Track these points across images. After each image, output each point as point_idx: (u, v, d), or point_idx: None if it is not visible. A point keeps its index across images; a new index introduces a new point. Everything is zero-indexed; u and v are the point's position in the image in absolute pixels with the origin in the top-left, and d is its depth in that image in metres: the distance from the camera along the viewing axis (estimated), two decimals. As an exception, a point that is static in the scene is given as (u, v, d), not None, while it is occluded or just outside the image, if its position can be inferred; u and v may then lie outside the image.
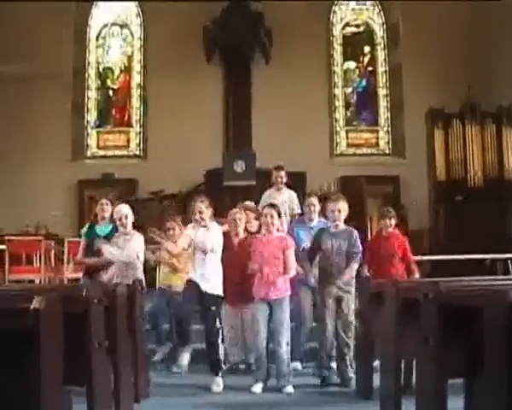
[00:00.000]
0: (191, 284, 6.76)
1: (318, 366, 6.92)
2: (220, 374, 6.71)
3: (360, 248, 6.87)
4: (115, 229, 7.63)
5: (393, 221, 7.77)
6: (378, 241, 7.82)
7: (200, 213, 6.82)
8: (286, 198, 9.06)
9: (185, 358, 7.21)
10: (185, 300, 6.73)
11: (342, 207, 6.87)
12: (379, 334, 5.70)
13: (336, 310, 6.79)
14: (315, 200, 7.79)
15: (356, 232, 6.95)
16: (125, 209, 7.37)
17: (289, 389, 6.50)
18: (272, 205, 7.02)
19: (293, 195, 9.21)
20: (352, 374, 6.62)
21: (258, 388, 6.51)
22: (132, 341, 5.74)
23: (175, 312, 7.39)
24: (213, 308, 6.84)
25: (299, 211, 8.92)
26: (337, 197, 7.04)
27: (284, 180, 9.11)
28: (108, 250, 7.21)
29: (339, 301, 6.78)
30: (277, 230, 6.86)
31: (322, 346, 6.84)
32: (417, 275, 7.79)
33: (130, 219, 7.34)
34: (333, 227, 6.91)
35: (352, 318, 6.75)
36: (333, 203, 6.91)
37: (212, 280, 6.79)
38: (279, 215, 6.88)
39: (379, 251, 7.64)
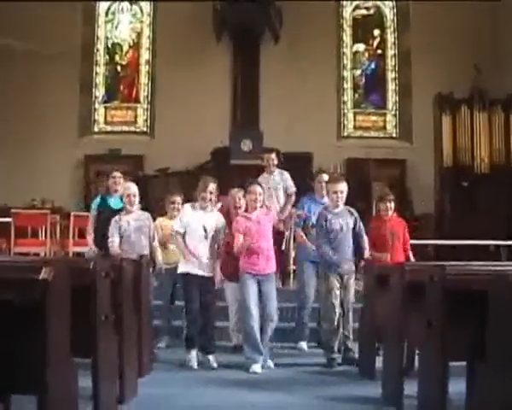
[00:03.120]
0: (190, 279, 6.68)
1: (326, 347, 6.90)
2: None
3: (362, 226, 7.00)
4: None
5: (393, 204, 7.69)
6: (378, 224, 7.69)
7: (212, 193, 6.76)
8: (278, 180, 9.03)
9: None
10: (193, 300, 6.62)
11: (344, 188, 6.90)
12: (383, 316, 5.73)
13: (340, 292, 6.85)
14: (326, 177, 7.67)
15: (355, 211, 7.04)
16: (134, 187, 7.32)
17: (271, 363, 6.73)
18: (257, 183, 7.01)
19: (286, 174, 9.14)
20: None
21: (258, 367, 6.51)
22: (137, 315, 5.78)
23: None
24: (215, 289, 6.93)
25: (294, 189, 8.92)
26: (337, 178, 7.15)
27: (275, 162, 9.02)
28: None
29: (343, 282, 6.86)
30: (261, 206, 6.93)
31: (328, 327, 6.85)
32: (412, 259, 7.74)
33: (137, 199, 7.32)
34: (335, 208, 6.92)
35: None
36: (332, 185, 6.96)
37: (210, 263, 6.74)
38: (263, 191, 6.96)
39: (379, 234, 7.55)
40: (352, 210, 7.03)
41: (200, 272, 6.64)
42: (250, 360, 6.53)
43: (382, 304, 5.78)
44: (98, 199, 8.06)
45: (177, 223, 6.80)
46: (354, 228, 6.94)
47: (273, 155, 9.05)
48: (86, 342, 4.14)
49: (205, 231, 6.68)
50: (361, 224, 7.00)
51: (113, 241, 7.09)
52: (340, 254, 6.81)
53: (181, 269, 6.78)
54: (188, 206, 6.90)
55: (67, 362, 3.65)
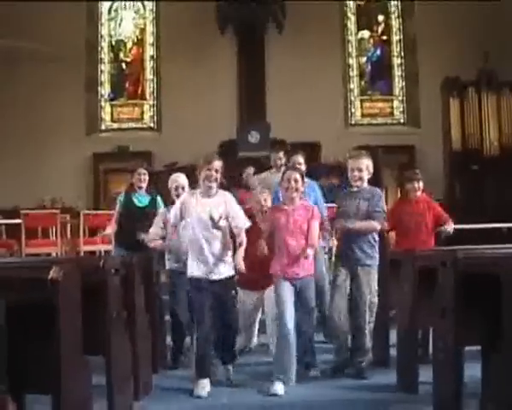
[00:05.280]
0: (198, 285, 5.46)
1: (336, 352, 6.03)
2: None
3: (384, 208, 5.99)
4: (154, 201, 7.43)
5: (421, 184, 7.10)
6: (404, 207, 7.11)
7: (217, 171, 5.57)
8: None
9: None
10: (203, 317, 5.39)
11: (365, 166, 5.97)
12: (396, 303, 5.70)
13: (352, 286, 5.92)
14: (301, 158, 7.08)
15: (379, 191, 6.09)
16: (182, 179, 6.65)
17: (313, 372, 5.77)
18: (294, 168, 6.01)
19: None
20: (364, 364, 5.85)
21: (281, 389, 5.34)
22: (150, 310, 5.75)
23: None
24: (233, 292, 5.73)
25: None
26: (358, 154, 6.13)
27: (283, 162, 7.62)
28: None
29: (356, 276, 5.90)
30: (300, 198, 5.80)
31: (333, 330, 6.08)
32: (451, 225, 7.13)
33: (187, 190, 6.46)
34: (355, 188, 5.99)
35: (372, 298, 5.90)
36: (353, 161, 6.01)
37: (225, 259, 5.52)
38: (302, 179, 5.76)
39: (405, 218, 6.98)
40: (374, 189, 6.07)
41: (212, 277, 5.44)
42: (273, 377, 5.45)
43: (395, 290, 5.74)
44: (123, 195, 7.60)
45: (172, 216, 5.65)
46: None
47: (280, 154, 7.76)
48: (99, 339, 4.14)
49: (212, 220, 5.42)
50: (380, 203, 5.96)
51: (152, 231, 6.40)
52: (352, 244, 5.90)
53: (188, 271, 5.55)
54: (186, 194, 5.91)
55: (80, 360, 3.64)
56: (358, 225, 5.81)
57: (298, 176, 5.66)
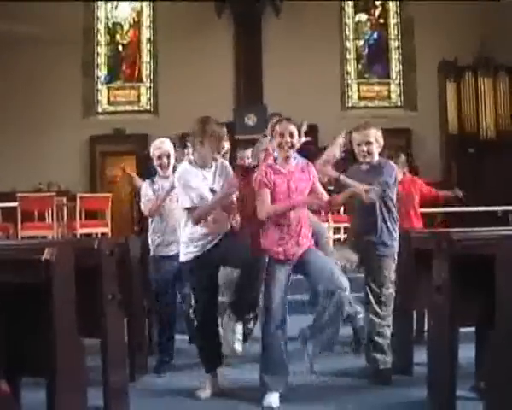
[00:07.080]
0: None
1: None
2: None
3: (392, 179, 5.16)
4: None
5: (400, 166, 6.67)
6: None
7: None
8: None
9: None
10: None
11: (374, 137, 5.22)
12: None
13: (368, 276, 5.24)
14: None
15: (391, 163, 5.29)
16: (166, 145, 5.80)
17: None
18: (288, 119, 4.75)
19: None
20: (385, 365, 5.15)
21: (275, 399, 4.55)
22: (146, 293, 5.75)
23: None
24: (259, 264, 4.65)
25: None
26: (365, 125, 5.32)
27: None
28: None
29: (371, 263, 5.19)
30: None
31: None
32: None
33: (172, 160, 5.79)
34: (364, 164, 5.25)
35: (388, 289, 5.14)
36: (359, 134, 5.26)
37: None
38: (299, 134, 4.76)
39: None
40: (385, 161, 5.28)
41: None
42: (265, 386, 4.61)
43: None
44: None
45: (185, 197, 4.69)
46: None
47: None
48: (94, 322, 4.14)
49: (213, 192, 4.75)
50: (389, 172, 5.16)
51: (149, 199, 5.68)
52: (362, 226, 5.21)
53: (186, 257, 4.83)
54: (187, 165, 4.87)
55: (75, 342, 3.63)
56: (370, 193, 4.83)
57: (293, 128, 4.64)
